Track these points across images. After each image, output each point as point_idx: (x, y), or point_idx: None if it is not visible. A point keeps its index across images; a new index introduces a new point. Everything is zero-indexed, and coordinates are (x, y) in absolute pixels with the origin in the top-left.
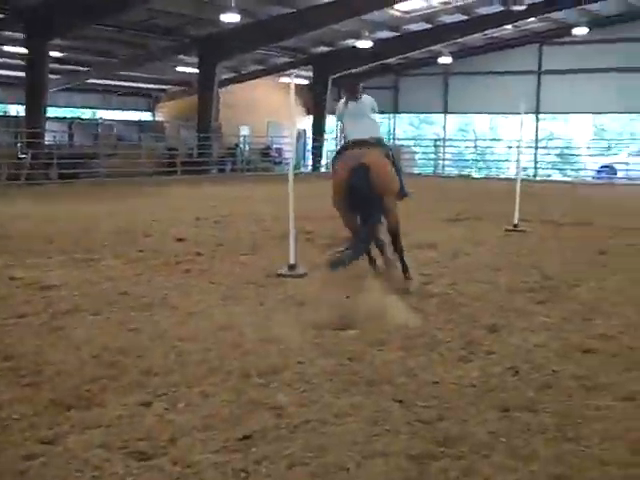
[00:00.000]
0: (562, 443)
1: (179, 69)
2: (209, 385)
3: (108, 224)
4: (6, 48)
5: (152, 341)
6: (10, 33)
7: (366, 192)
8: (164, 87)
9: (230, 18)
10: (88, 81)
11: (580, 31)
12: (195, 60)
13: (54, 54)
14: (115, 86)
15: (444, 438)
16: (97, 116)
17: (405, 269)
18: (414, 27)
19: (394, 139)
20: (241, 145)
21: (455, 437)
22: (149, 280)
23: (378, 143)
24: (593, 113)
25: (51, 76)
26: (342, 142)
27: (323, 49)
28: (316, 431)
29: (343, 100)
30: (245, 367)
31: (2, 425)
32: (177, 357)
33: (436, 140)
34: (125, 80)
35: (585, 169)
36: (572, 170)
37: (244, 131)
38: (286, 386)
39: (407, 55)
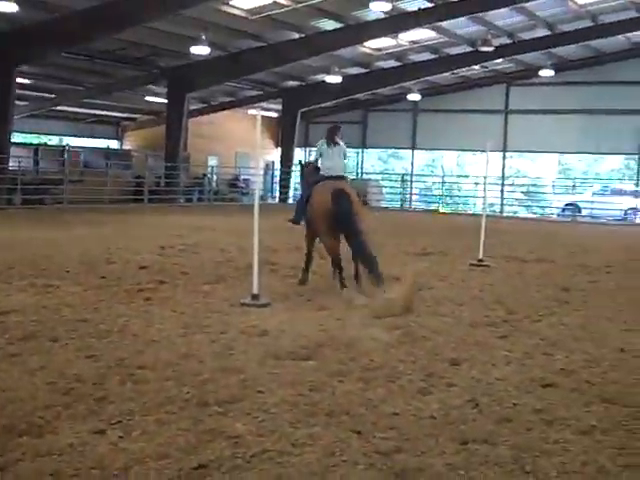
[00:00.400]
0: (519, 476)
1: (148, 99)
2: (165, 413)
3: (71, 250)
4: None
5: (109, 369)
6: None
7: (349, 214)
8: (133, 116)
9: (200, 50)
10: (56, 108)
11: (546, 73)
12: (164, 90)
13: (21, 81)
14: (83, 114)
15: (401, 470)
16: (64, 143)
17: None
18: (384, 64)
19: (362, 173)
20: (209, 175)
21: (412, 469)
22: (110, 307)
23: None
24: (558, 153)
25: (18, 102)
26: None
27: (293, 83)
28: (273, 461)
29: (324, 141)
30: (204, 396)
31: None
32: (134, 385)
33: (404, 175)
34: (94, 108)
35: (550, 207)
36: (538, 207)
37: (212, 161)
38: (245, 415)
39: (376, 91)
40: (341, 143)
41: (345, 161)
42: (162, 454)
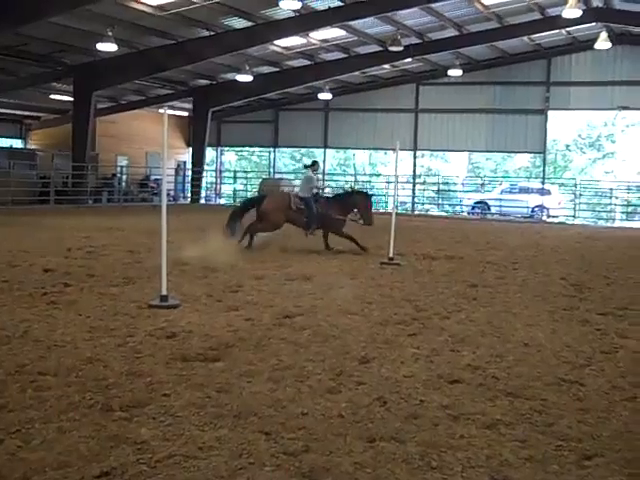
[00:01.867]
0: (426, 472)
1: (53, 97)
2: (67, 421)
3: None
4: None
5: (9, 375)
6: None
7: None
8: (37, 114)
9: (107, 47)
10: None
11: (455, 72)
12: (70, 88)
13: None
14: None
15: (309, 469)
16: None
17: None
18: (295, 63)
19: (274, 172)
20: (119, 175)
21: (320, 468)
22: (11, 312)
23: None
24: (467, 151)
25: None
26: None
27: (203, 82)
28: (179, 465)
29: (312, 172)
30: (108, 401)
31: None
32: (35, 392)
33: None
34: None
35: (461, 205)
36: (449, 205)
37: (122, 161)
38: (150, 420)
39: (288, 90)
40: (311, 174)
41: (309, 185)
42: (63, 463)
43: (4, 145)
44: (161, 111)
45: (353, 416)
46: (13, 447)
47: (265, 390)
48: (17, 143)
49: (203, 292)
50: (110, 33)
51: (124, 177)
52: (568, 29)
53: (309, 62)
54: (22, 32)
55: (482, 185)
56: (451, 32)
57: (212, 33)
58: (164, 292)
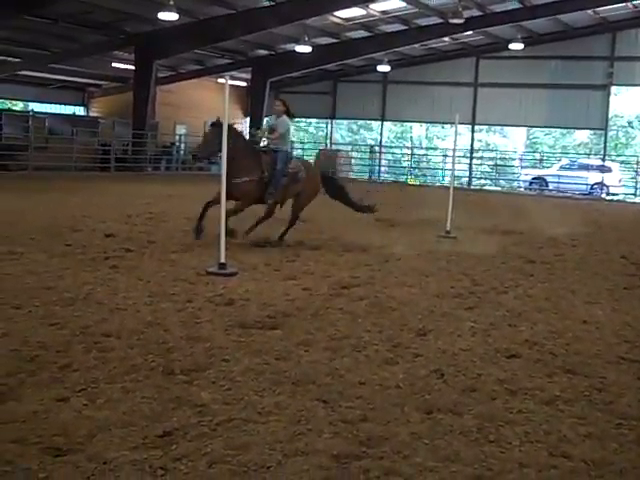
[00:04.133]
0: (483, 445)
1: (115, 65)
2: (130, 382)
3: (35, 218)
4: None
5: (74, 337)
6: None
7: None
8: (99, 82)
9: (168, 16)
10: (21, 73)
11: (516, 46)
12: (131, 57)
13: None
14: (49, 79)
15: (367, 438)
16: (29, 109)
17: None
18: (354, 34)
19: (331, 144)
20: (177, 144)
21: (377, 437)
22: (75, 275)
23: None
24: (526, 126)
25: None
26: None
27: (262, 52)
28: (238, 429)
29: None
30: (169, 364)
31: None
32: (99, 353)
33: (372, 146)
34: (59, 73)
35: (518, 180)
36: (505, 181)
37: (181, 130)
38: (210, 384)
39: (346, 62)
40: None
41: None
42: (126, 422)
43: (67, 112)
44: (221, 81)
45: (410, 387)
46: (79, 405)
47: (323, 359)
48: (79, 110)
49: (260, 261)
50: (171, 2)
51: (182, 146)
52: (635, 2)
53: (368, 34)
54: (86, 0)
55: (540, 161)
56: (513, 4)
57: (272, 3)
58: (222, 260)
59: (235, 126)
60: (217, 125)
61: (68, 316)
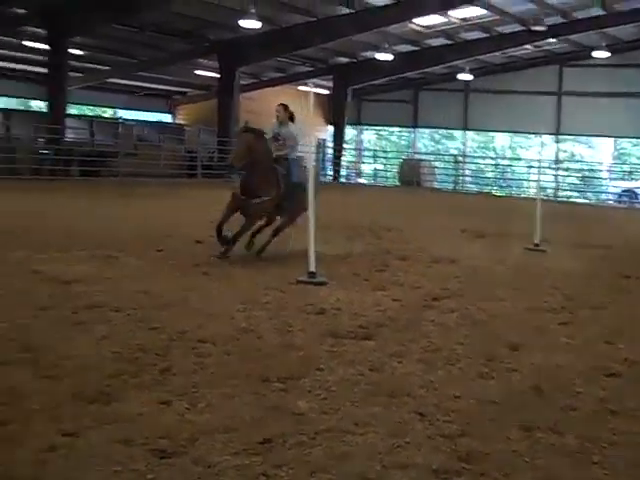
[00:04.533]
0: (587, 467)
1: (199, 72)
2: (229, 387)
3: (128, 222)
4: (28, 44)
5: (172, 340)
6: (32, 29)
7: None
8: (184, 90)
9: (250, 24)
10: (110, 80)
11: (600, 54)
12: (215, 64)
13: (75, 52)
14: (136, 86)
15: (466, 454)
16: (118, 115)
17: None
18: (434, 42)
19: (414, 153)
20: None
21: (476, 453)
22: (168, 280)
23: None
24: (613, 137)
25: (72, 74)
26: None
27: (343, 59)
28: (337, 439)
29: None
30: (265, 371)
31: (24, 415)
32: (197, 358)
33: (456, 156)
34: (146, 81)
35: (606, 192)
36: (593, 193)
37: None
38: (306, 392)
39: (427, 70)
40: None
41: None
42: (227, 427)
43: (154, 119)
44: (303, 88)
45: (507, 403)
46: (181, 409)
47: (417, 371)
48: (165, 117)
49: (349, 270)
50: (253, 10)
51: None
52: None
53: (449, 41)
54: (170, 9)
55: (629, 173)
56: (597, 11)
57: (353, 11)
58: (312, 269)
59: (262, 131)
60: (248, 131)
61: (165, 320)
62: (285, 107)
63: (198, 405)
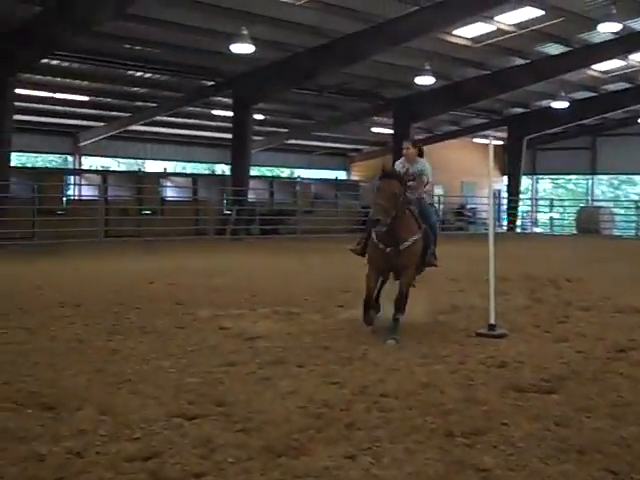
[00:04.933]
0: None
1: (374, 129)
2: (413, 442)
3: (307, 279)
4: (215, 112)
5: (354, 395)
6: (219, 99)
7: None
8: (359, 147)
9: (425, 81)
10: (288, 141)
11: None
12: (388, 120)
13: (257, 117)
14: (312, 146)
15: None
16: (295, 175)
17: None
18: (612, 87)
19: (592, 200)
20: (436, 204)
21: None
22: (349, 335)
23: None
24: None
25: (254, 137)
26: None
27: (518, 110)
28: None
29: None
30: (448, 426)
31: (218, 467)
32: (379, 413)
33: (637, 202)
34: (322, 140)
35: None
36: None
37: (438, 190)
38: (491, 448)
39: (605, 115)
40: None
41: None
42: None
43: (330, 177)
44: (477, 140)
45: None
46: (366, 464)
47: (607, 426)
48: (341, 175)
49: (529, 322)
50: (428, 67)
51: (441, 206)
52: None
53: (629, 85)
54: (347, 71)
55: None
56: None
57: (527, 61)
58: (492, 321)
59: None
60: (389, 176)
61: (347, 375)
62: (414, 144)
63: (383, 460)
